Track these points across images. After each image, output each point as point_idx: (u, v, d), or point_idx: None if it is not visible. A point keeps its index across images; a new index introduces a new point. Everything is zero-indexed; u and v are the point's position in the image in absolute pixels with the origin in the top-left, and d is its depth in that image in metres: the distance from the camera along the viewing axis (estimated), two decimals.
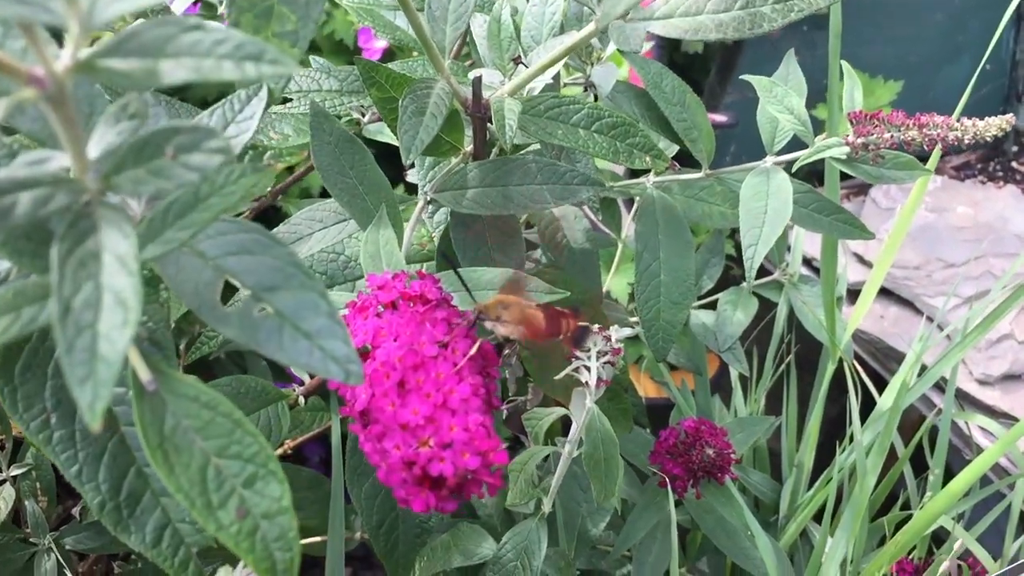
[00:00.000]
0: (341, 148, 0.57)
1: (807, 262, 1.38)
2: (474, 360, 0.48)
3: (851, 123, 0.72)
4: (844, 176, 1.39)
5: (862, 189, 1.55)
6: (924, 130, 0.69)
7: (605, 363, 0.61)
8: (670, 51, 1.57)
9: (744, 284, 1.13)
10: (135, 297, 0.28)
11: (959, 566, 0.89)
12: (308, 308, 0.36)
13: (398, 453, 0.45)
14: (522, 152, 0.64)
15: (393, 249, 0.54)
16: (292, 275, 0.37)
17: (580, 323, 0.58)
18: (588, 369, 0.60)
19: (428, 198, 0.63)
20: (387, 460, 0.45)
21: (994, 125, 0.67)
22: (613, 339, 0.66)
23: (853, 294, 1.28)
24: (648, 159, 0.64)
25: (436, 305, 0.50)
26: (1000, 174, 1.56)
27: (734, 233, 1.58)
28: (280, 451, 1.21)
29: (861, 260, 1.36)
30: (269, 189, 0.95)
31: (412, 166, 0.67)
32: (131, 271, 0.28)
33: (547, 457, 0.78)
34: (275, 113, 0.83)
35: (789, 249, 1.14)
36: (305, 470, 1.13)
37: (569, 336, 0.57)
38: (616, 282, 1.35)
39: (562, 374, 0.60)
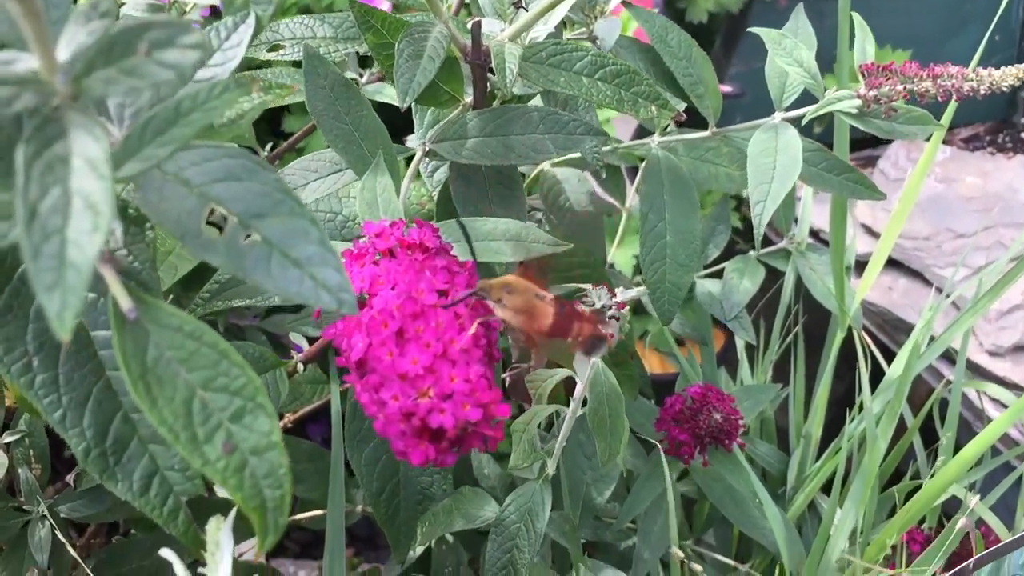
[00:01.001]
0: (336, 92, 0.55)
1: (814, 234, 1.36)
2: (475, 310, 0.46)
3: (863, 75, 0.70)
4: (856, 146, 1.38)
5: (870, 161, 1.53)
6: (938, 81, 0.67)
7: (610, 318, 0.59)
8: (675, 20, 1.54)
9: (751, 253, 1.11)
10: (106, 201, 0.26)
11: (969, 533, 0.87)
12: (298, 235, 0.35)
13: (396, 404, 0.43)
14: (534, 106, 0.62)
15: (391, 196, 0.52)
16: (281, 201, 0.35)
17: (596, 330, 0.52)
18: None
19: (427, 149, 0.61)
20: (384, 411, 0.43)
21: (1010, 75, 0.65)
22: (618, 296, 0.64)
23: (861, 266, 1.27)
24: (654, 109, 0.62)
25: (435, 253, 0.48)
26: (1009, 145, 1.54)
27: (739, 205, 1.56)
28: (280, 424, 1.20)
29: (869, 231, 1.34)
30: (266, 154, 0.94)
31: (411, 118, 0.64)
32: (102, 175, 0.27)
33: (551, 425, 0.76)
34: (270, 71, 0.81)
35: (796, 221, 1.12)
36: (305, 442, 1.12)
37: (580, 341, 0.52)
38: (620, 254, 1.33)
39: None
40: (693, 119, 0.90)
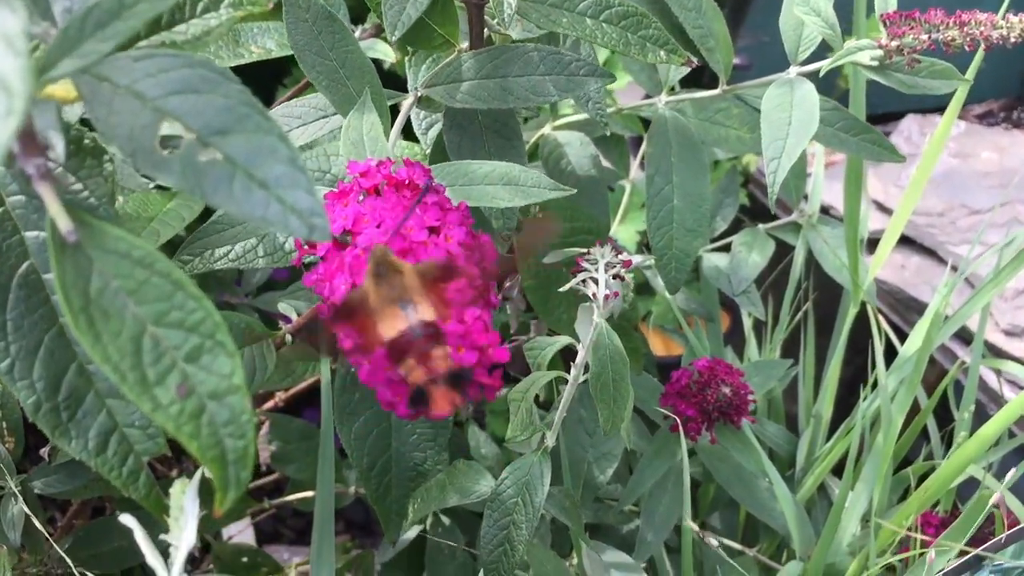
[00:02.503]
0: (319, 26, 0.50)
1: (824, 211, 1.31)
2: (470, 251, 0.42)
3: (884, 24, 0.66)
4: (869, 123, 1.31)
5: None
6: (965, 29, 0.63)
7: (614, 276, 0.55)
8: None
9: (759, 226, 1.07)
10: (22, 82, 0.22)
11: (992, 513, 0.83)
12: (264, 154, 0.30)
13: (383, 349, 0.39)
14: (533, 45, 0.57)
15: (378, 135, 0.48)
16: (246, 116, 0.31)
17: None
18: (595, 281, 0.54)
19: (419, 95, 0.57)
20: (370, 357, 0.39)
21: None
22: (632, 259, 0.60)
23: (872, 244, 1.22)
24: (663, 54, 0.57)
25: (426, 191, 0.43)
26: None
27: (746, 182, 1.52)
28: (271, 404, 1.16)
29: (881, 208, 1.30)
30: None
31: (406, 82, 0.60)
32: (18, 51, 0.23)
33: (550, 404, 0.72)
34: (256, 27, 0.77)
35: (807, 198, 1.08)
36: (295, 420, 1.08)
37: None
38: (623, 230, 1.29)
39: (566, 287, 0.55)
40: (696, 82, 0.86)
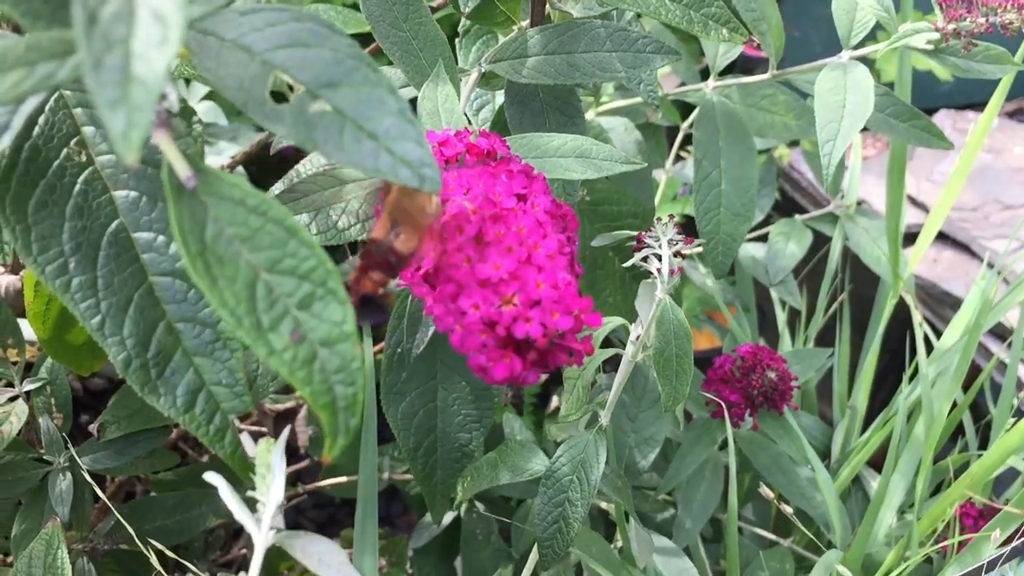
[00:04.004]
0: None
1: (859, 205, 1.31)
2: (555, 218, 0.42)
3: (940, 7, 0.66)
4: None
5: None
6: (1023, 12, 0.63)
7: (675, 254, 0.55)
8: None
9: (797, 217, 1.07)
10: (177, 11, 0.23)
11: None
12: (373, 106, 0.31)
13: (477, 313, 0.39)
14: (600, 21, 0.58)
15: (454, 106, 0.48)
16: (354, 68, 0.31)
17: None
18: (658, 257, 0.54)
19: (483, 70, 0.57)
20: (464, 321, 0.39)
21: None
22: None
23: (906, 238, 1.22)
24: (725, 32, 0.58)
25: (509, 160, 0.44)
26: None
27: (777, 177, 1.52)
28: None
29: (914, 202, 1.30)
30: None
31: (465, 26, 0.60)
32: None
33: (596, 381, 0.72)
34: (322, 8, 0.77)
35: (843, 193, 1.08)
36: None
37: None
38: None
39: (630, 262, 0.55)
40: (744, 67, 0.86)
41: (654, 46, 0.55)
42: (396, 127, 0.31)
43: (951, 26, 0.65)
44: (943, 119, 1.41)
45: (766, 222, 1.12)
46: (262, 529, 0.37)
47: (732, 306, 1.02)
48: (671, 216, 0.57)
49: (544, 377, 0.89)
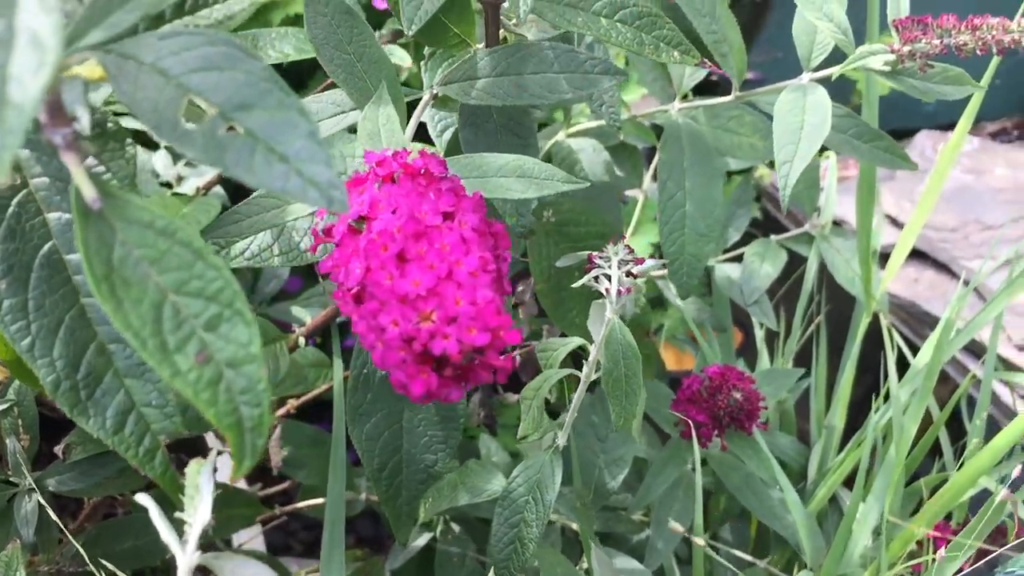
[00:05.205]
0: (338, 20, 0.51)
1: (836, 224, 1.31)
2: (483, 235, 0.42)
3: (896, 30, 0.66)
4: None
5: None
6: (977, 33, 0.63)
7: (626, 274, 0.55)
8: None
9: (772, 237, 1.07)
10: (53, 37, 0.23)
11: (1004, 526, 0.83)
12: (285, 128, 0.31)
13: (396, 329, 0.39)
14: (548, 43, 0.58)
15: (394, 126, 0.48)
16: (267, 91, 0.32)
17: None
18: (608, 277, 0.54)
19: (435, 92, 0.58)
20: (383, 337, 0.39)
21: None
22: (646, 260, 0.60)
23: (886, 258, 1.22)
24: (676, 54, 0.58)
25: (440, 179, 0.44)
26: None
27: (759, 197, 1.52)
28: (284, 410, 1.16)
29: (894, 222, 1.30)
30: None
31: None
32: (48, 9, 0.23)
33: (557, 415, 0.72)
34: (275, 32, 0.78)
35: (819, 211, 1.08)
36: (307, 426, 1.08)
37: None
38: (636, 242, 1.29)
39: (579, 283, 0.55)
40: (709, 92, 0.87)
41: (601, 67, 0.55)
42: (306, 149, 0.31)
43: (906, 48, 0.65)
44: (924, 139, 1.42)
45: (744, 241, 1.12)
46: (187, 551, 0.37)
47: (703, 328, 1.02)
48: (622, 237, 0.57)
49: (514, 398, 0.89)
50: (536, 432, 0.63)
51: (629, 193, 1.19)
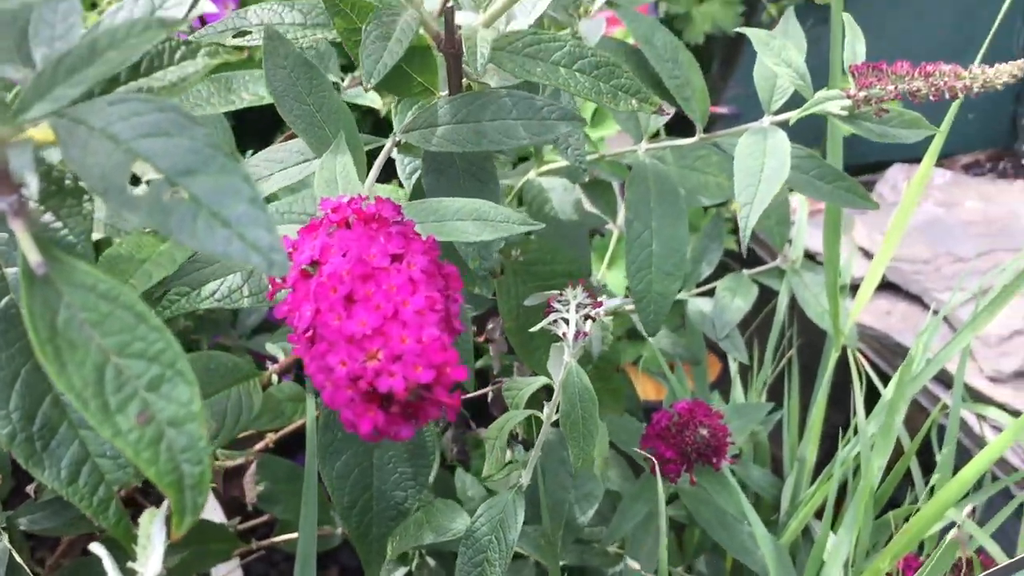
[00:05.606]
0: (297, 73, 0.53)
1: (810, 257, 1.33)
2: (432, 277, 0.44)
3: (852, 76, 0.68)
4: (854, 171, 1.36)
5: (868, 186, 1.50)
6: (930, 79, 0.65)
7: (585, 317, 0.56)
8: None
9: (744, 271, 1.09)
10: None
11: (970, 560, 0.84)
12: (228, 193, 0.32)
13: (343, 369, 0.40)
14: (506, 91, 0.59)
15: (350, 174, 0.50)
16: (211, 157, 0.33)
17: None
18: (566, 321, 0.55)
19: (398, 139, 0.59)
20: (332, 377, 0.41)
21: (1005, 72, 0.63)
22: (604, 302, 0.61)
23: (857, 289, 1.24)
24: (634, 102, 0.59)
25: (393, 224, 0.45)
26: (1011, 172, 1.51)
27: (735, 229, 1.54)
28: (262, 445, 1.16)
29: (867, 254, 1.32)
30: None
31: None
32: None
33: (531, 439, 0.73)
34: (248, 74, 0.79)
35: (791, 242, 1.09)
36: (283, 461, 1.08)
37: None
38: (612, 275, 1.30)
39: (538, 326, 0.56)
40: (682, 128, 0.88)
41: (558, 113, 0.57)
42: (248, 214, 0.32)
43: (862, 93, 0.67)
44: (896, 172, 1.44)
45: (718, 273, 1.13)
46: None
47: (675, 362, 1.03)
48: (581, 281, 0.58)
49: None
50: (500, 472, 0.64)
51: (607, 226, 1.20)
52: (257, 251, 0.32)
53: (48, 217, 0.40)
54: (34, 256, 0.30)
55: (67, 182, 0.41)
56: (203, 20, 1.14)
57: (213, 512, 1.14)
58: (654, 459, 0.79)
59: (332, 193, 0.49)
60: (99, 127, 0.33)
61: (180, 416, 0.30)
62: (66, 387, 0.30)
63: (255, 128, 1.35)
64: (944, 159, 1.60)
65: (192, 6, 0.40)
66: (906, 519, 0.92)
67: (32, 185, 0.32)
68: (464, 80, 0.62)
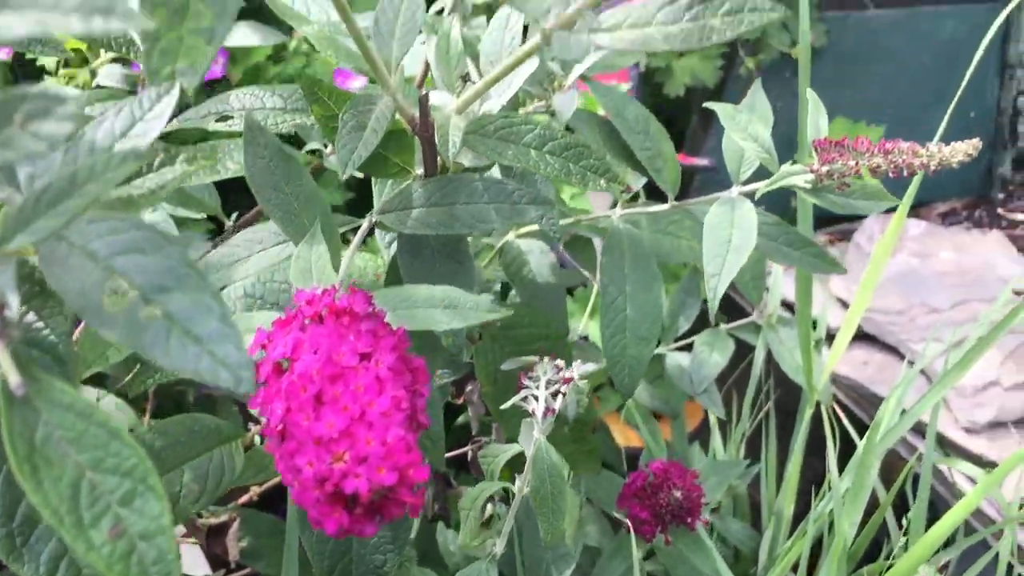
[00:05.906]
0: (275, 163, 0.54)
1: (788, 307, 1.35)
2: (399, 374, 0.45)
3: (815, 151, 0.70)
4: (832, 221, 1.39)
5: (846, 235, 1.53)
6: (889, 156, 0.67)
7: (555, 393, 0.58)
8: (653, 94, 1.57)
9: (721, 326, 1.11)
10: None
11: None
12: (200, 311, 0.34)
13: (311, 470, 0.42)
14: (478, 175, 0.62)
15: (325, 265, 0.51)
16: (186, 276, 0.34)
17: None
18: (536, 398, 0.57)
19: (374, 220, 0.61)
20: (299, 478, 0.42)
21: (960, 151, 0.65)
22: (574, 374, 0.63)
23: (833, 339, 1.26)
24: (603, 182, 0.61)
25: (363, 318, 0.47)
26: (987, 220, 1.54)
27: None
28: (246, 498, 1.17)
29: (844, 305, 1.34)
30: (231, 223, 0.93)
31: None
32: None
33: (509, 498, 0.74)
34: (233, 143, 0.81)
35: (768, 290, 1.11)
36: (266, 516, 1.09)
37: None
38: (594, 327, 1.32)
39: (508, 403, 0.58)
40: (659, 191, 0.90)
41: (529, 197, 0.59)
42: (218, 331, 0.34)
43: (824, 168, 0.69)
44: (873, 223, 1.47)
45: (696, 327, 1.15)
46: None
47: (650, 418, 1.05)
48: (553, 356, 0.60)
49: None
50: (475, 541, 0.65)
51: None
52: (226, 368, 0.33)
53: (31, 317, 0.42)
54: (14, 378, 0.31)
55: (49, 283, 0.42)
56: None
57: (200, 567, 1.15)
58: (627, 521, 0.80)
59: (307, 283, 0.51)
60: (79, 244, 0.35)
61: (151, 530, 0.32)
62: (42, 503, 0.31)
63: (241, 189, 1.37)
64: (921, 207, 1.63)
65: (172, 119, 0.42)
66: (880, 575, 0.94)
67: (13, 305, 0.33)
68: (440, 159, 0.64)
